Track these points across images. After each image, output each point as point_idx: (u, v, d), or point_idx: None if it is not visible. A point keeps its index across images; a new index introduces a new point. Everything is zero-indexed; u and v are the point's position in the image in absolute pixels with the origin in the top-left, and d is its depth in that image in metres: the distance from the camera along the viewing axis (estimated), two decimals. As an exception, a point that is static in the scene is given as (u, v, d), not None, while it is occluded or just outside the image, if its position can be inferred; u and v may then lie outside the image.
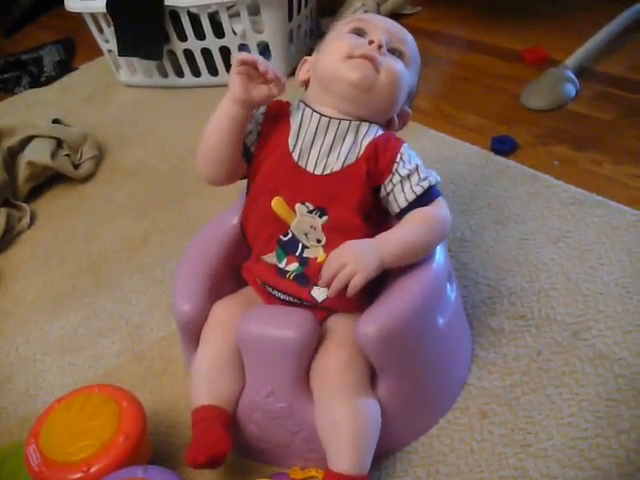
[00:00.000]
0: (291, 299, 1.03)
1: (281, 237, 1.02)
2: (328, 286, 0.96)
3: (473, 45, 2.09)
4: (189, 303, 1.05)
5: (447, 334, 1.04)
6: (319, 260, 1.00)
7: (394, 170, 1.00)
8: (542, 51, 1.90)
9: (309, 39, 2.23)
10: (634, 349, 1.08)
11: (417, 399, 1.02)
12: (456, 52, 2.13)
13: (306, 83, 1.11)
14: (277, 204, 1.02)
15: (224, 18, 1.97)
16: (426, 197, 0.99)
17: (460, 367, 1.10)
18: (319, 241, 1.01)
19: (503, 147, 1.55)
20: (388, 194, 1.00)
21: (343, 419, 0.92)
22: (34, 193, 1.84)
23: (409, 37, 1.11)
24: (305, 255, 1.01)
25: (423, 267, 1.00)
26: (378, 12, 2.20)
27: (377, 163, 1.00)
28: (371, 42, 1.03)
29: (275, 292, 1.05)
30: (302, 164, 1.02)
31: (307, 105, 1.05)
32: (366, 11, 2.17)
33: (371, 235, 0.99)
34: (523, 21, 2.11)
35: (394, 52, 1.06)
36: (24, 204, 1.78)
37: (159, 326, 1.33)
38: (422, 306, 0.97)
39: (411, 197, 0.99)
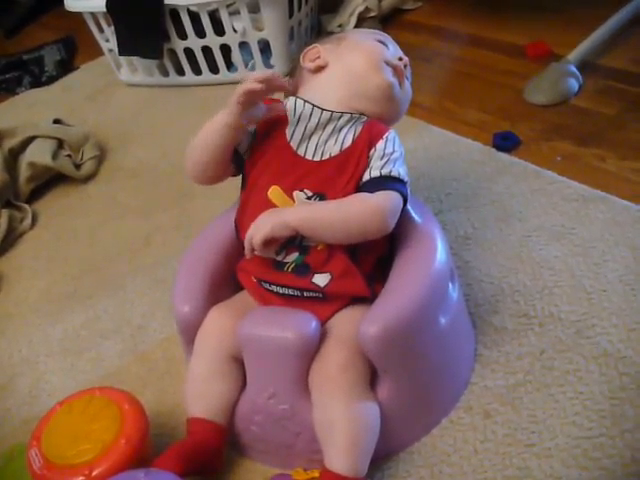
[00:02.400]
0: (290, 292, 1.03)
1: None
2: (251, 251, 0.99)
3: (475, 40, 2.08)
4: (189, 305, 1.05)
5: (449, 333, 1.03)
6: (320, 247, 1.00)
7: (376, 145, 1.02)
8: (544, 46, 1.89)
9: (310, 36, 2.22)
10: (639, 347, 1.07)
11: (419, 399, 1.01)
12: (458, 47, 2.12)
13: (314, 71, 1.13)
14: (274, 193, 1.02)
15: (224, 16, 1.96)
16: (380, 183, 1.00)
17: (463, 366, 1.09)
18: None
19: (506, 143, 1.54)
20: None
21: (340, 420, 0.92)
22: (36, 194, 1.84)
23: None
24: (305, 243, 1.01)
25: (425, 266, 1.00)
26: (379, 7, 2.19)
27: (369, 141, 1.03)
28: (400, 59, 1.12)
29: (273, 287, 1.04)
30: (301, 152, 1.04)
31: (305, 101, 1.07)
32: (367, 7, 2.16)
33: None
34: (525, 16, 2.10)
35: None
36: (26, 205, 1.78)
37: (161, 327, 1.33)
38: (424, 306, 0.97)
39: (366, 177, 1.01)
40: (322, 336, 0.97)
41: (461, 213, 1.39)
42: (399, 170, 1.01)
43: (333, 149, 1.03)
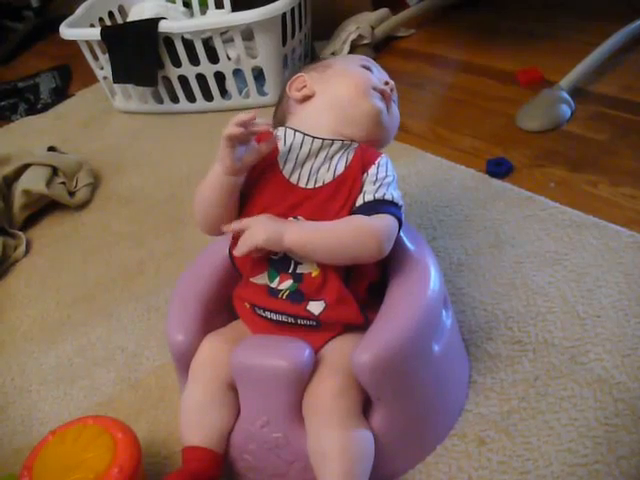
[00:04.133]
0: (284, 318, 1.02)
1: (272, 256, 1.02)
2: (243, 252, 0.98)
3: (467, 67, 2.09)
4: (183, 333, 1.04)
5: (443, 361, 1.03)
6: (314, 274, 1.00)
7: (368, 170, 1.03)
8: (537, 72, 1.90)
9: (303, 63, 2.23)
10: (633, 373, 1.07)
11: (414, 426, 1.01)
12: (450, 74, 2.13)
13: (301, 101, 1.13)
14: None
15: (218, 44, 1.98)
16: (374, 207, 1.00)
17: (457, 393, 1.09)
18: None
19: (498, 169, 1.55)
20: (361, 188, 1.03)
21: (333, 449, 0.91)
22: (30, 221, 1.84)
23: None
24: (299, 271, 1.01)
25: (418, 293, 1.00)
26: (372, 35, 2.21)
27: (362, 166, 1.03)
28: (387, 83, 1.13)
29: (267, 313, 1.03)
30: (294, 180, 1.04)
31: (296, 130, 1.07)
32: (360, 34, 2.18)
33: None
34: (517, 42, 2.12)
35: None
36: (20, 232, 1.77)
37: (155, 355, 1.33)
38: (417, 334, 0.96)
39: (359, 202, 1.01)
40: (315, 364, 0.97)
41: (454, 240, 1.39)
42: (393, 194, 1.02)
43: (326, 176, 1.03)
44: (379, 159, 1.05)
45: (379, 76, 1.15)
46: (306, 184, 1.03)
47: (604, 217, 1.36)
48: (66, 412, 1.26)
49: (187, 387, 1.04)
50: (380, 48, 2.28)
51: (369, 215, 0.99)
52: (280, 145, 1.06)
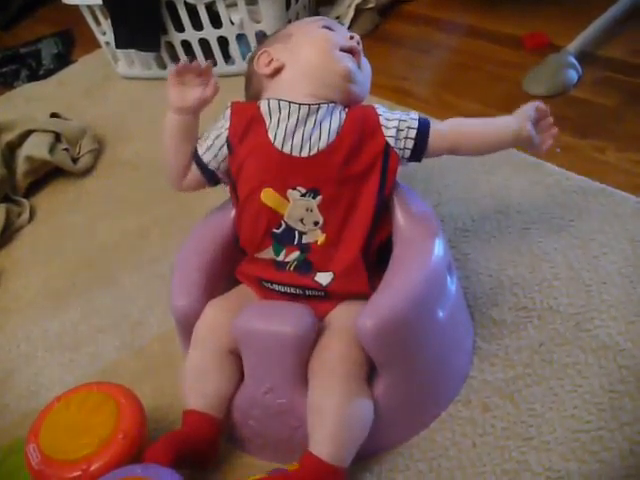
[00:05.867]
0: (292, 290, 1.03)
1: (275, 230, 1.03)
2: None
3: (474, 31, 2.06)
4: (186, 298, 1.05)
5: (448, 326, 1.03)
6: (319, 242, 1.01)
7: (382, 123, 1.04)
8: (543, 36, 1.88)
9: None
10: (638, 340, 1.06)
11: (418, 393, 1.01)
12: (456, 39, 2.10)
13: (272, 75, 1.11)
14: (267, 195, 1.02)
15: (221, 8, 1.95)
16: (425, 128, 1.06)
17: (461, 359, 1.09)
18: (316, 223, 1.02)
19: (504, 135, 1.53)
20: (392, 145, 1.04)
21: (332, 406, 0.92)
22: (33, 188, 1.83)
23: None
24: (304, 241, 1.02)
25: (422, 258, 1.00)
26: (378, -1, 2.19)
27: (361, 131, 1.03)
28: (352, 37, 1.11)
29: (274, 286, 1.04)
30: (287, 150, 1.03)
31: (280, 100, 1.05)
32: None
33: (363, 201, 1.02)
34: (524, 6, 2.08)
35: None
36: (23, 199, 1.77)
37: (159, 321, 1.33)
38: (421, 299, 0.96)
39: (413, 134, 1.04)
40: (322, 328, 0.98)
41: (459, 205, 1.39)
42: (412, 114, 1.06)
43: (320, 144, 1.02)
44: (379, 118, 1.04)
45: (342, 33, 1.13)
46: (300, 152, 1.02)
47: (611, 183, 1.35)
48: (71, 378, 1.27)
49: (189, 353, 1.04)
50: (385, 12, 2.25)
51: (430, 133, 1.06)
52: (266, 118, 1.05)
